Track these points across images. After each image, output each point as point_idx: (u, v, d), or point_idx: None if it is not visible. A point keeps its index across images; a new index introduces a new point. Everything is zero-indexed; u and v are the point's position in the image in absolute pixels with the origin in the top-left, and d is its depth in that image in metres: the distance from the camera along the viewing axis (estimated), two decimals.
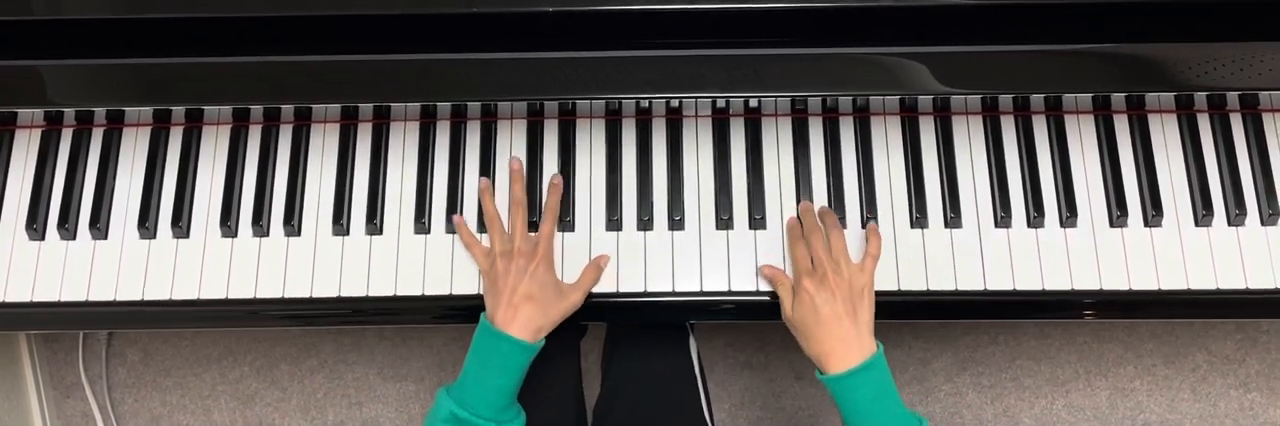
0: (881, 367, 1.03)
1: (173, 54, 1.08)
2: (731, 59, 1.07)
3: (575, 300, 1.11)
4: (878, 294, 1.12)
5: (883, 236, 1.13)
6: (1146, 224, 1.14)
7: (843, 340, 1.03)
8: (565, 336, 1.37)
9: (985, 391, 1.89)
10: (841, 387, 1.02)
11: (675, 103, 1.17)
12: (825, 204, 1.15)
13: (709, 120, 1.18)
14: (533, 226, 1.14)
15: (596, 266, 1.14)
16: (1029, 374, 1.89)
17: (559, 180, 1.15)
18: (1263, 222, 1.14)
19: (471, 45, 1.07)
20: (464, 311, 1.16)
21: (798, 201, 1.15)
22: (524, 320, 1.06)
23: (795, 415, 1.88)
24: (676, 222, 1.15)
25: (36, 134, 1.20)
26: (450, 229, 1.15)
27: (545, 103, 1.17)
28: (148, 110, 1.18)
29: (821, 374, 1.04)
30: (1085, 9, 1.08)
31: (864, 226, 1.15)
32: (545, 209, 1.15)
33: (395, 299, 1.15)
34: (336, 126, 1.19)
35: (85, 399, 1.89)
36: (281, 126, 1.19)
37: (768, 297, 1.13)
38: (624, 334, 1.39)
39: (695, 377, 1.31)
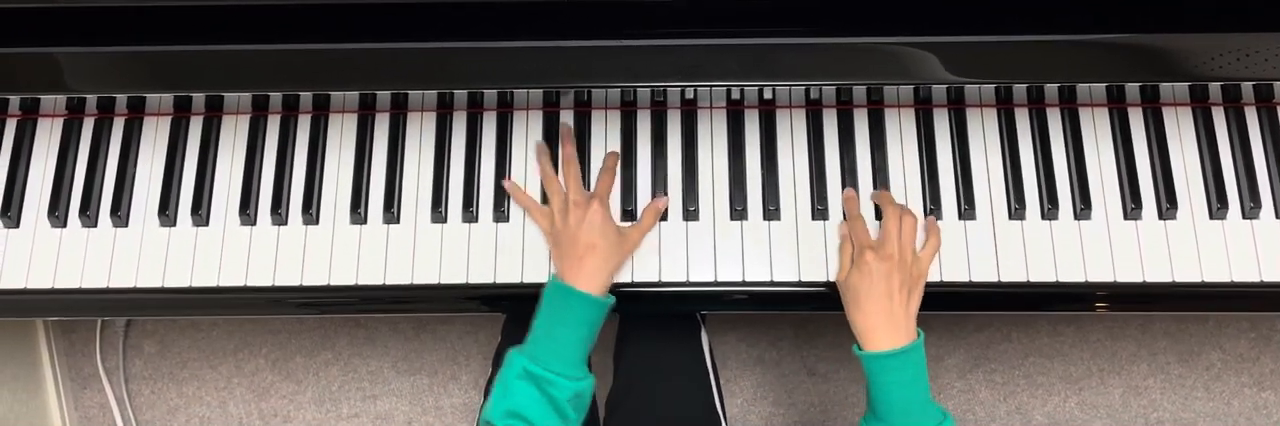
0: (920, 355, 1.05)
1: (191, 41, 1.08)
2: (747, 48, 1.07)
3: (635, 240, 1.14)
4: None
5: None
6: (1161, 216, 1.14)
7: (891, 318, 1.05)
8: None
9: (998, 388, 1.89)
10: (878, 366, 1.04)
11: (690, 94, 1.17)
12: (838, 195, 1.16)
13: (724, 111, 1.19)
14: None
15: (655, 209, 1.16)
16: (1042, 371, 1.89)
17: (617, 154, 1.18)
18: (1278, 216, 1.14)
19: (489, 33, 1.08)
20: (481, 300, 1.16)
21: (812, 192, 1.16)
22: (590, 271, 1.07)
23: (807, 411, 1.88)
24: (691, 213, 1.16)
25: (59, 123, 1.21)
26: (467, 218, 1.16)
27: (561, 94, 1.18)
28: (168, 100, 1.20)
29: (860, 349, 1.05)
30: None
31: (878, 217, 1.15)
32: (602, 170, 1.17)
33: (412, 287, 1.16)
34: (354, 116, 1.20)
35: (102, 390, 1.91)
36: (300, 116, 1.20)
37: (782, 288, 1.14)
38: (635, 327, 1.40)
39: (707, 370, 1.32)
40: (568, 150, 1.17)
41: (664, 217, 1.16)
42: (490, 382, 1.31)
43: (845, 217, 1.15)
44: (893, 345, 1.03)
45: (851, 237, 1.12)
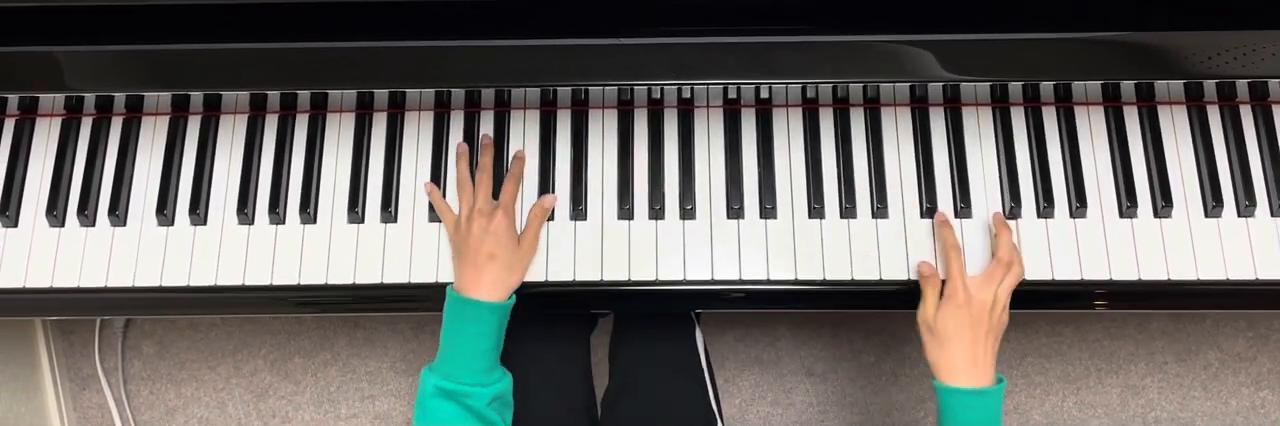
0: (999, 398, 1.05)
1: (188, 40, 1.09)
2: (743, 46, 1.07)
3: (529, 248, 1.13)
4: (888, 283, 1.13)
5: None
6: (1156, 215, 1.15)
7: (974, 362, 1.05)
8: (575, 330, 1.38)
9: None
10: (958, 403, 1.05)
11: (687, 93, 1.18)
12: (836, 194, 1.16)
13: (721, 110, 1.19)
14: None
15: (541, 207, 1.16)
16: (1040, 371, 1.89)
17: (524, 153, 1.18)
18: (1273, 214, 1.14)
19: (485, 32, 1.08)
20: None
21: (809, 191, 1.16)
22: (490, 280, 1.08)
23: (805, 411, 1.88)
24: (688, 212, 1.16)
25: (57, 122, 1.21)
26: None
27: (558, 92, 1.18)
28: (166, 99, 1.20)
29: (941, 382, 1.06)
30: None
31: (876, 216, 1.15)
32: (507, 176, 1.16)
33: (409, 286, 1.16)
34: (352, 116, 1.21)
35: (101, 391, 1.91)
36: (298, 116, 1.21)
37: (778, 286, 1.14)
38: (630, 326, 1.40)
39: (701, 368, 1.32)
40: (485, 159, 1.17)
41: (660, 216, 1.16)
42: None
43: (940, 243, 1.12)
44: (977, 384, 1.04)
45: (947, 272, 1.10)
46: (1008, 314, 1.09)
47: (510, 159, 1.19)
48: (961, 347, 1.05)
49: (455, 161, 1.18)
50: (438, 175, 1.18)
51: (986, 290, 1.07)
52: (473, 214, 1.12)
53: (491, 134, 1.19)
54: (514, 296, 1.10)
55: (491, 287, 1.08)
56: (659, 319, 1.38)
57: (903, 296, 1.12)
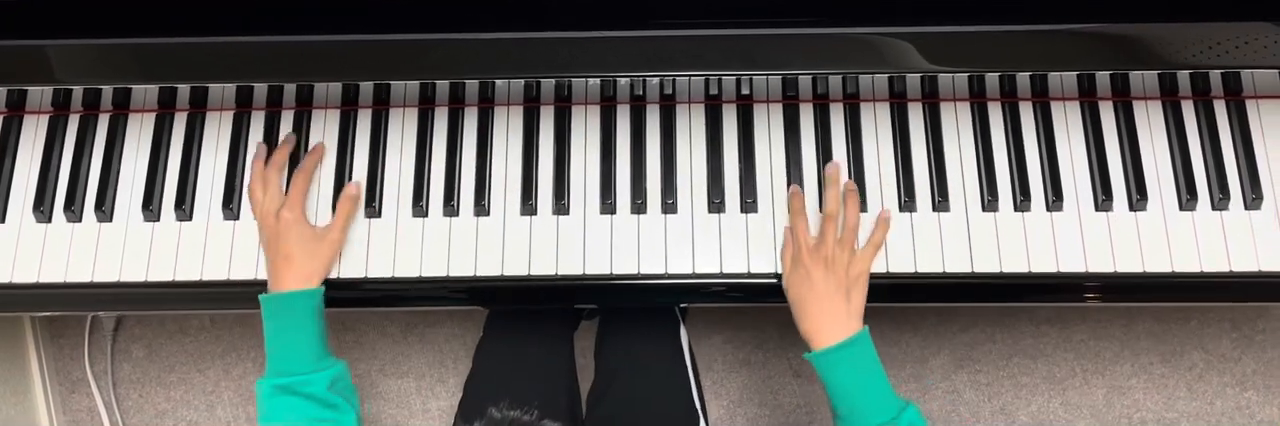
0: (865, 345, 1.05)
1: (173, 33, 1.10)
2: (724, 39, 1.09)
3: (336, 238, 1.14)
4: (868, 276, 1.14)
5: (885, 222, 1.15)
6: (1131, 208, 1.16)
7: (834, 317, 1.05)
8: (559, 328, 1.39)
9: (982, 389, 1.90)
10: (825, 363, 1.04)
11: (669, 89, 1.19)
12: (816, 188, 1.17)
13: (702, 106, 1.21)
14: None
15: (349, 197, 1.16)
16: (1026, 372, 1.90)
17: (321, 146, 1.19)
18: (1246, 207, 1.15)
19: (469, 25, 1.09)
20: (463, 293, 1.18)
21: (788, 186, 1.17)
22: (294, 274, 1.10)
23: (793, 412, 1.89)
24: (669, 206, 1.17)
25: (44, 119, 1.22)
26: (448, 212, 1.17)
27: (541, 89, 1.19)
28: (153, 96, 1.21)
29: (808, 352, 1.06)
30: None
31: (864, 210, 1.16)
32: (298, 170, 1.17)
33: (394, 281, 1.17)
34: (337, 112, 1.22)
35: (90, 394, 1.91)
36: (283, 112, 1.22)
37: (759, 279, 1.15)
38: (615, 323, 1.41)
39: (686, 366, 1.33)
40: (279, 156, 1.18)
41: (642, 211, 1.17)
42: (469, 379, 1.32)
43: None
44: (836, 340, 1.04)
45: (791, 237, 1.13)
46: (865, 264, 1.10)
47: (305, 153, 1.20)
48: (816, 306, 1.06)
49: (252, 160, 1.18)
50: (420, 171, 1.19)
51: (823, 248, 1.09)
52: (262, 215, 1.14)
53: (476, 131, 1.20)
54: (323, 284, 1.12)
55: (296, 279, 1.10)
56: (644, 317, 1.38)
57: (880, 289, 1.13)
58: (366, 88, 1.20)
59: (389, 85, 1.19)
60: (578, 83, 1.18)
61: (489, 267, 1.16)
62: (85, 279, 1.17)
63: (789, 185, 1.17)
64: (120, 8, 1.09)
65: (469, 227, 1.17)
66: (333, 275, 1.15)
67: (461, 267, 1.16)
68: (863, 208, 1.16)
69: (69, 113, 1.23)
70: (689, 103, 1.21)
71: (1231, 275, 1.13)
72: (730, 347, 1.92)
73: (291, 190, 1.15)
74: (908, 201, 1.16)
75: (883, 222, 1.14)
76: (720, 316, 1.91)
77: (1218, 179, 1.16)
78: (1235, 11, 1.07)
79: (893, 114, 1.20)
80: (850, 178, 1.17)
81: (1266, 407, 1.88)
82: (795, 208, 1.14)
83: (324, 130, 1.21)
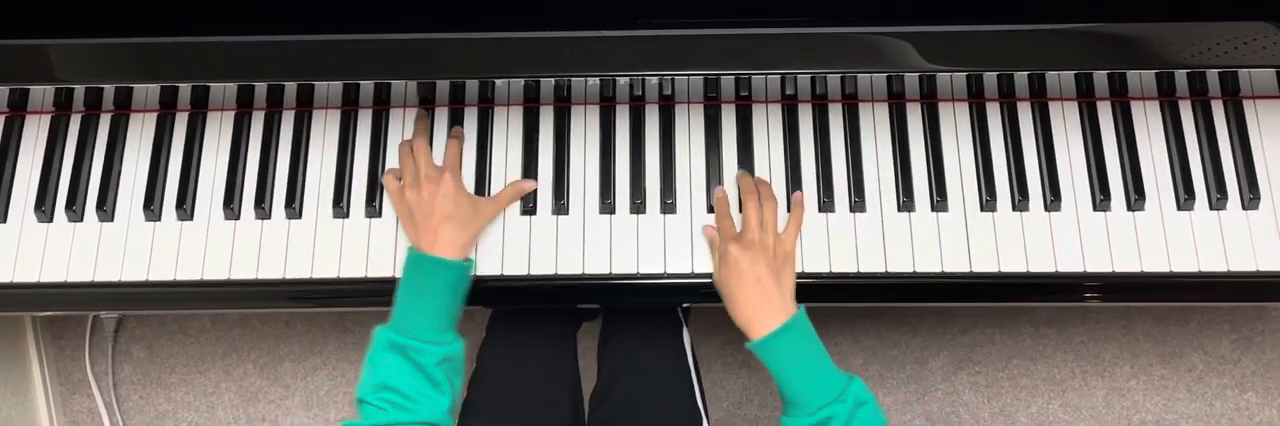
0: (803, 327, 1.04)
1: (174, 33, 1.10)
2: (722, 39, 1.09)
3: (489, 213, 1.15)
4: (863, 276, 1.15)
5: (808, 212, 1.17)
6: (1130, 208, 1.16)
7: (767, 301, 1.05)
8: (561, 329, 1.39)
9: (982, 390, 1.90)
10: (766, 351, 1.04)
11: (668, 89, 1.20)
12: (815, 188, 1.18)
13: (701, 106, 1.21)
14: None
15: (517, 188, 1.17)
16: (1026, 373, 1.90)
17: (460, 130, 1.20)
18: (1244, 207, 1.16)
19: (469, 25, 1.10)
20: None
21: (788, 186, 1.18)
22: (447, 239, 1.09)
23: None
24: (669, 206, 1.17)
25: (46, 119, 1.23)
26: None
27: (541, 89, 1.20)
28: (154, 96, 1.22)
29: (749, 342, 1.05)
30: None
31: (853, 210, 1.17)
32: (449, 141, 1.18)
33: (393, 280, 1.17)
34: (338, 112, 1.22)
35: (91, 395, 1.92)
36: (284, 112, 1.22)
37: None
38: (618, 325, 1.41)
39: (689, 368, 1.33)
40: (421, 124, 1.19)
41: (642, 211, 1.18)
42: (471, 380, 1.33)
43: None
44: (773, 327, 1.03)
45: (718, 230, 1.14)
46: (789, 243, 1.11)
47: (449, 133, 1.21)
48: (747, 291, 1.06)
49: (414, 135, 1.19)
50: None
51: (746, 233, 1.09)
52: (418, 180, 1.12)
53: (476, 131, 1.21)
54: (474, 260, 1.11)
55: (449, 246, 1.08)
56: (647, 318, 1.39)
57: (875, 290, 1.14)
58: (367, 88, 1.20)
59: (389, 85, 1.20)
60: (577, 82, 1.18)
61: (488, 267, 1.16)
62: (86, 278, 1.17)
63: (789, 185, 1.18)
64: (121, 7, 1.09)
65: None
66: (332, 274, 1.16)
67: None
68: (861, 208, 1.16)
69: (71, 113, 1.23)
70: (688, 103, 1.21)
71: (1229, 275, 1.13)
72: (731, 349, 1.92)
73: (449, 157, 1.16)
74: (906, 201, 1.16)
75: (798, 204, 1.15)
76: (722, 318, 1.90)
77: (1215, 179, 1.16)
78: (1234, 11, 1.08)
79: (891, 114, 1.20)
80: (849, 177, 1.17)
81: (1266, 409, 1.88)
82: (721, 211, 1.15)
83: (324, 130, 1.22)
